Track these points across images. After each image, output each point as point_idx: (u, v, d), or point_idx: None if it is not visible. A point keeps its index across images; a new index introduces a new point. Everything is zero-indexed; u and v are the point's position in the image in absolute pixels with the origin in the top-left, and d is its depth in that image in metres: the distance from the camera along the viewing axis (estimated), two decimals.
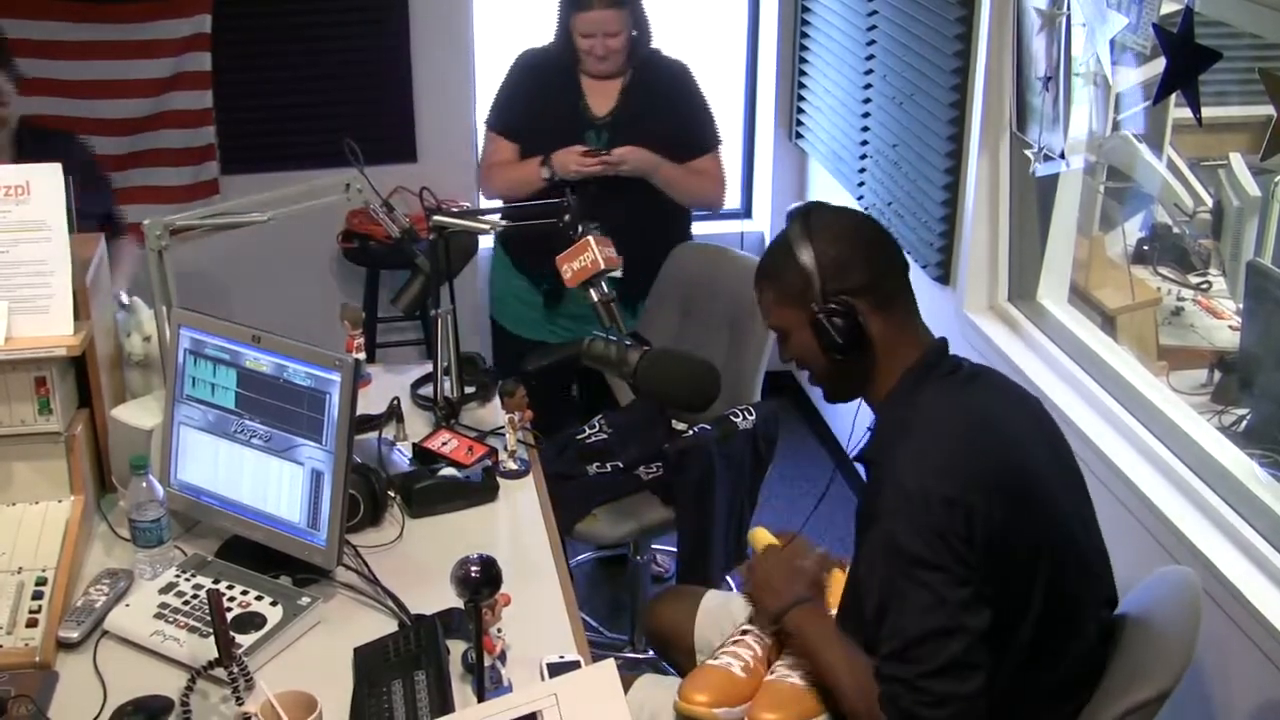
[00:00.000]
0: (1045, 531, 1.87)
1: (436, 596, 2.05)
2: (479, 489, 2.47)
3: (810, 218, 1.96)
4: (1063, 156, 2.93)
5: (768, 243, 4.50)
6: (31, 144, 3.11)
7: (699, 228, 4.56)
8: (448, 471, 2.48)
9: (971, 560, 1.79)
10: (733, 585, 3.14)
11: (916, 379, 1.94)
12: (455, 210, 2.86)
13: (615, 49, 3.26)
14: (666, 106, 3.37)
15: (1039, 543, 1.86)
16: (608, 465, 3.14)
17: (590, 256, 2.49)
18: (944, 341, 2.01)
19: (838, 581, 2.21)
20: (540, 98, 3.37)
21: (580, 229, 2.56)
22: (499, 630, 1.92)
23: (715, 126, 3.47)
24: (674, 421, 3.22)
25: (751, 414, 3.08)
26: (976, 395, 1.97)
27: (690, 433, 3.09)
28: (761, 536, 2.34)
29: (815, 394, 4.31)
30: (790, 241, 1.94)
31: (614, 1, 3.22)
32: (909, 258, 3.70)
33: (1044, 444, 1.99)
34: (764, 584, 2.18)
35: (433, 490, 2.43)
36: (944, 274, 3.51)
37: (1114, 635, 2.03)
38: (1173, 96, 2.39)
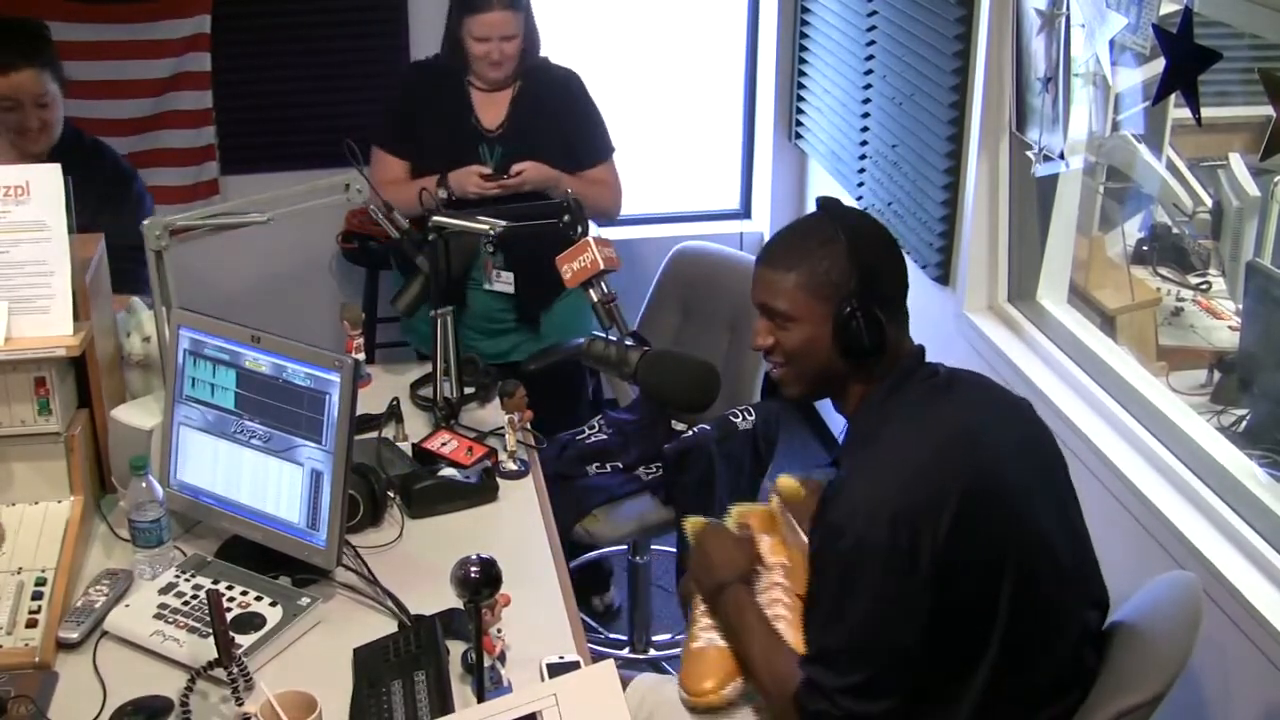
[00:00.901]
0: (1013, 541, 1.86)
1: (436, 597, 2.05)
2: (479, 489, 2.47)
3: (855, 217, 1.98)
4: (1062, 157, 2.93)
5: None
6: (71, 150, 3.02)
7: (698, 228, 4.59)
8: (447, 472, 2.48)
9: (911, 581, 1.79)
10: None
11: (891, 387, 1.95)
12: (454, 210, 2.87)
13: (510, 54, 3.15)
14: (557, 116, 3.26)
15: (1004, 553, 1.84)
16: (608, 466, 3.15)
17: (590, 257, 2.49)
18: (921, 349, 2.01)
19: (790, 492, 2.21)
20: (428, 112, 3.26)
21: (580, 229, 2.56)
22: (499, 631, 1.93)
23: (608, 135, 3.36)
24: (674, 422, 3.22)
25: (751, 414, 3.08)
26: (951, 403, 1.96)
27: (690, 433, 3.09)
28: (787, 484, 2.24)
29: None
30: (834, 234, 1.93)
31: (510, 3, 3.11)
32: (909, 258, 3.72)
33: (1025, 449, 1.97)
34: (702, 562, 2.17)
35: (432, 491, 2.43)
36: (943, 274, 3.51)
37: (1105, 639, 2.02)
38: (1172, 97, 2.40)
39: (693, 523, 2.26)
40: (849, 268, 1.90)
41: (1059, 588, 1.93)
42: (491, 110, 3.25)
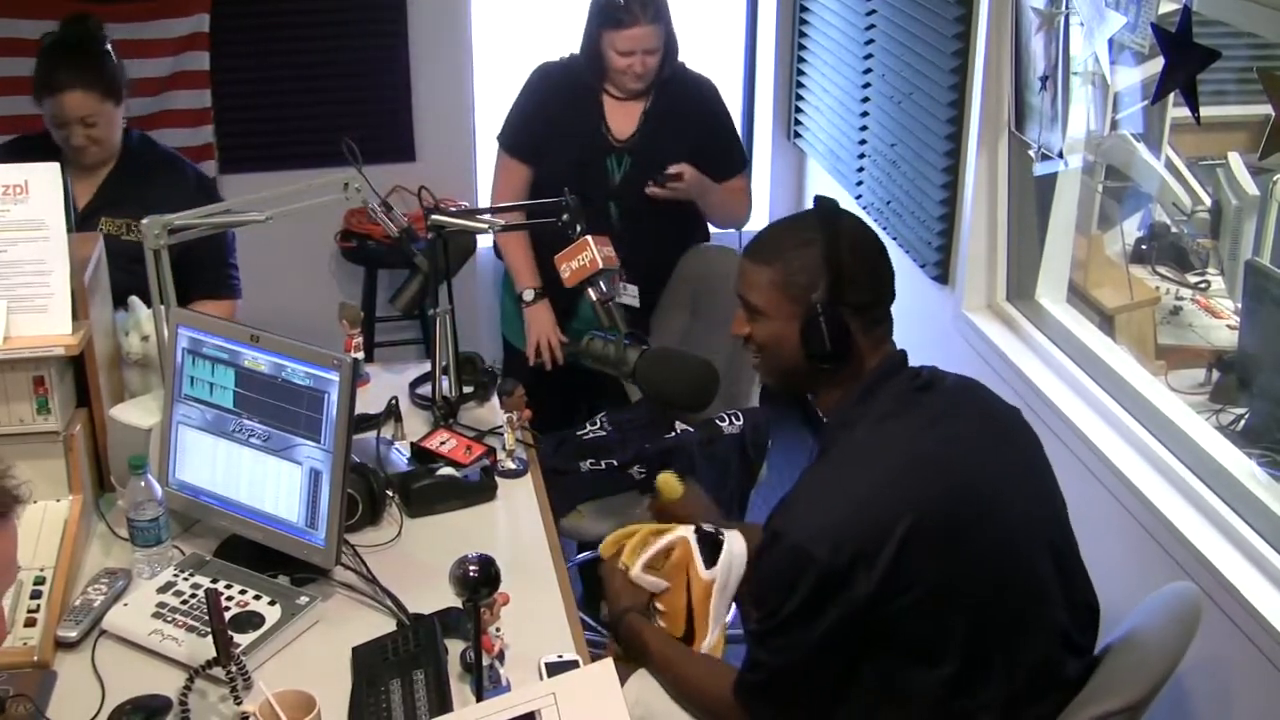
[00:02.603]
0: (967, 566, 1.85)
1: (435, 596, 2.05)
2: (477, 488, 2.47)
3: (840, 220, 1.95)
4: (1061, 156, 2.93)
5: None
6: (136, 160, 3.05)
7: None
8: (446, 471, 2.48)
9: (842, 597, 1.80)
10: None
11: (864, 392, 1.95)
12: (453, 209, 2.87)
13: (653, 67, 3.12)
14: (691, 130, 3.23)
15: (953, 578, 1.84)
16: (601, 462, 3.14)
17: (589, 255, 2.49)
18: (901, 353, 2.00)
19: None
20: (558, 118, 3.22)
21: (579, 228, 2.56)
22: (497, 630, 1.92)
23: (741, 146, 3.36)
24: (677, 423, 3.21)
25: (739, 419, 3.07)
26: (921, 417, 1.93)
27: (674, 435, 3.08)
28: (666, 480, 2.40)
29: None
30: (814, 235, 1.92)
31: (655, 17, 3.08)
32: (908, 258, 3.72)
33: (997, 465, 1.95)
34: (607, 589, 2.28)
35: (431, 490, 2.43)
36: (942, 273, 3.51)
37: (1094, 642, 2.02)
38: (1171, 96, 2.40)
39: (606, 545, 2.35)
40: (821, 271, 1.90)
41: (1028, 601, 1.91)
42: (623, 119, 3.21)
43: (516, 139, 3.29)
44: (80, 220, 2.96)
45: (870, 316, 1.94)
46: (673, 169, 3.09)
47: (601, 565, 2.34)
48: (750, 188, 3.41)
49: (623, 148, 3.20)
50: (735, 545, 2.24)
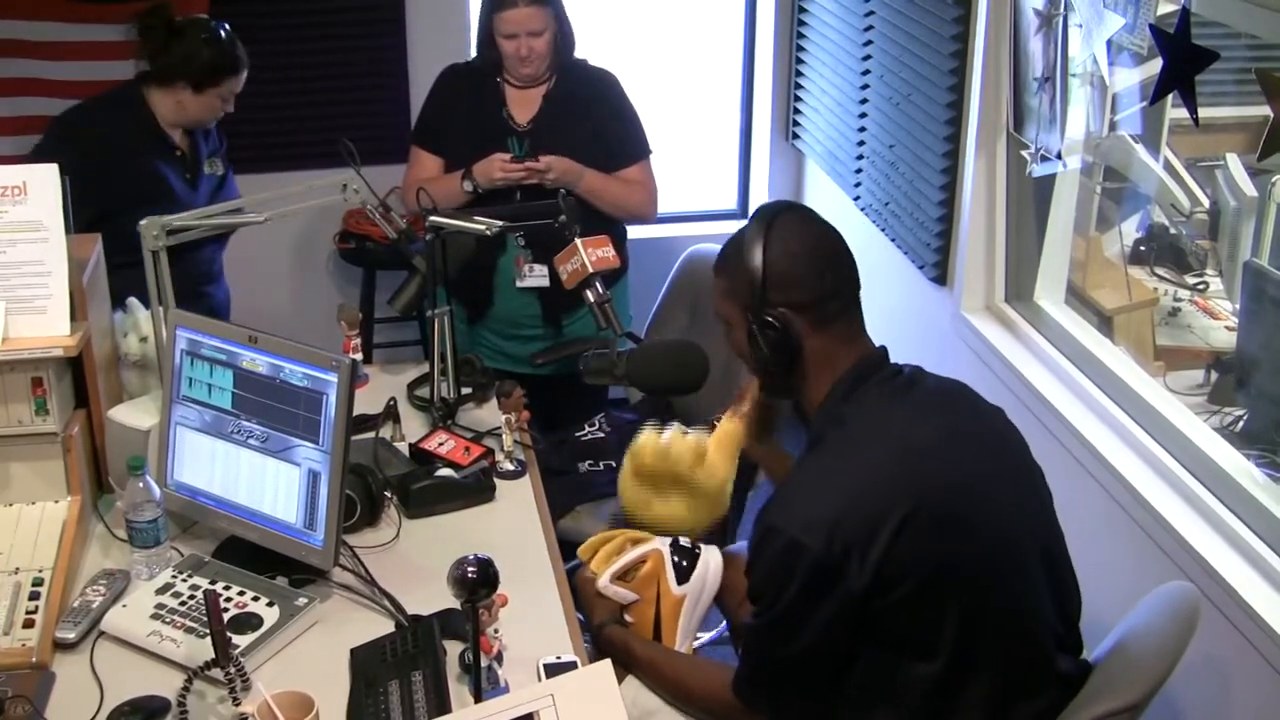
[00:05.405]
0: (958, 560, 1.84)
1: (433, 597, 2.05)
2: (476, 490, 2.47)
3: (774, 223, 1.94)
4: (1059, 157, 2.93)
5: None
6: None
7: (695, 228, 4.59)
8: (445, 472, 2.48)
9: (835, 590, 1.80)
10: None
11: (846, 390, 1.94)
12: (452, 211, 2.87)
13: (540, 50, 3.15)
14: (590, 114, 3.25)
15: (946, 570, 1.83)
16: (600, 464, 3.14)
17: (579, 260, 2.49)
18: (881, 350, 1.99)
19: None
20: (462, 107, 3.28)
21: (572, 230, 2.56)
22: (496, 631, 1.93)
23: (644, 136, 3.34)
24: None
25: None
26: (909, 411, 1.94)
27: None
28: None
29: None
30: (746, 241, 1.93)
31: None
32: (906, 259, 3.71)
33: (984, 462, 1.95)
34: (583, 604, 2.29)
35: (430, 491, 2.43)
36: (941, 275, 3.51)
37: (1080, 644, 2.02)
38: (1169, 97, 2.40)
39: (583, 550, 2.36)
40: (758, 276, 1.90)
41: (1019, 597, 1.91)
42: (524, 106, 3.24)
43: (423, 131, 3.35)
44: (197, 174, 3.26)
45: (818, 314, 1.92)
46: (542, 158, 3.11)
47: (577, 573, 2.34)
48: (653, 181, 3.35)
49: (522, 131, 3.22)
50: (711, 563, 2.25)
